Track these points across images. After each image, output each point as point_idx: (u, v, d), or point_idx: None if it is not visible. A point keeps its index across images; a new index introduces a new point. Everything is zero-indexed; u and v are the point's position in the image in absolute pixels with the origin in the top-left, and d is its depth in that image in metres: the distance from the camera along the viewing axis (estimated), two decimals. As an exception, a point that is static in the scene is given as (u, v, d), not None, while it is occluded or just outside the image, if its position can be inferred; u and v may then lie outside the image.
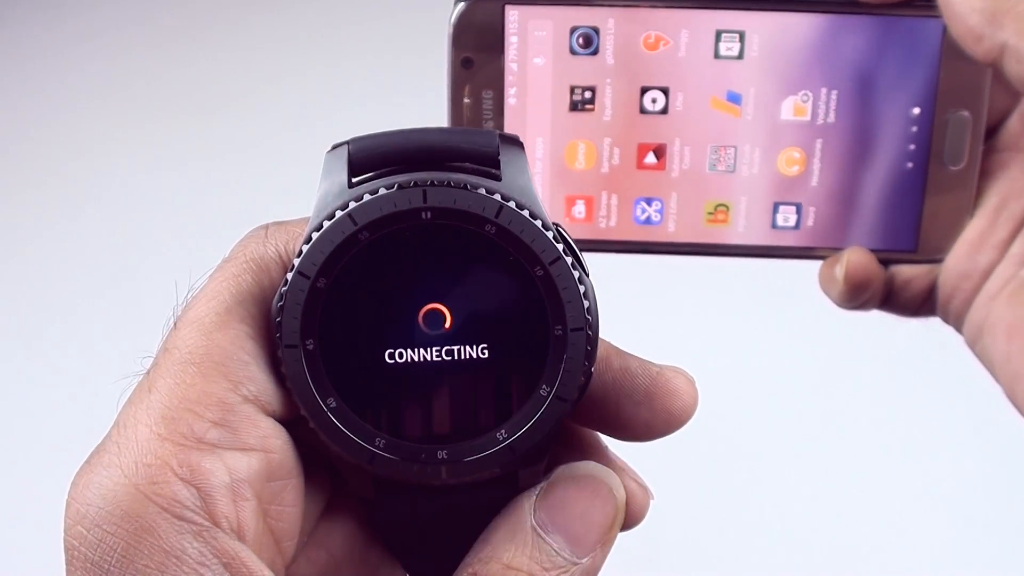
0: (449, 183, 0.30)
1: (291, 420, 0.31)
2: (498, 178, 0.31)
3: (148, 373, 0.30)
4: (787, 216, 0.46)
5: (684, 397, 0.32)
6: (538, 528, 0.31)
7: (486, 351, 0.30)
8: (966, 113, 0.44)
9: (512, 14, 0.44)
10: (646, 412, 0.32)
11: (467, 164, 0.31)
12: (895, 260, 0.46)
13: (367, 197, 0.30)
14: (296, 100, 1.47)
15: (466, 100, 0.45)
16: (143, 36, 1.58)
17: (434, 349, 0.30)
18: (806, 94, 0.45)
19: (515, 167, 0.31)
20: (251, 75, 1.51)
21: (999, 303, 0.42)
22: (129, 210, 1.38)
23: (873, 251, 0.45)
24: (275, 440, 0.30)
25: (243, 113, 1.46)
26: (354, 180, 0.31)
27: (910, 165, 0.45)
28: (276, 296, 0.30)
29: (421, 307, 0.30)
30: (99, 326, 1.26)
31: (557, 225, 0.31)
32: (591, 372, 0.31)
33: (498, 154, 0.31)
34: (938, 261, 0.45)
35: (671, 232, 0.46)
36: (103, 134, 1.46)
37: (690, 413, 0.32)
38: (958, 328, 0.45)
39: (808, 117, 0.45)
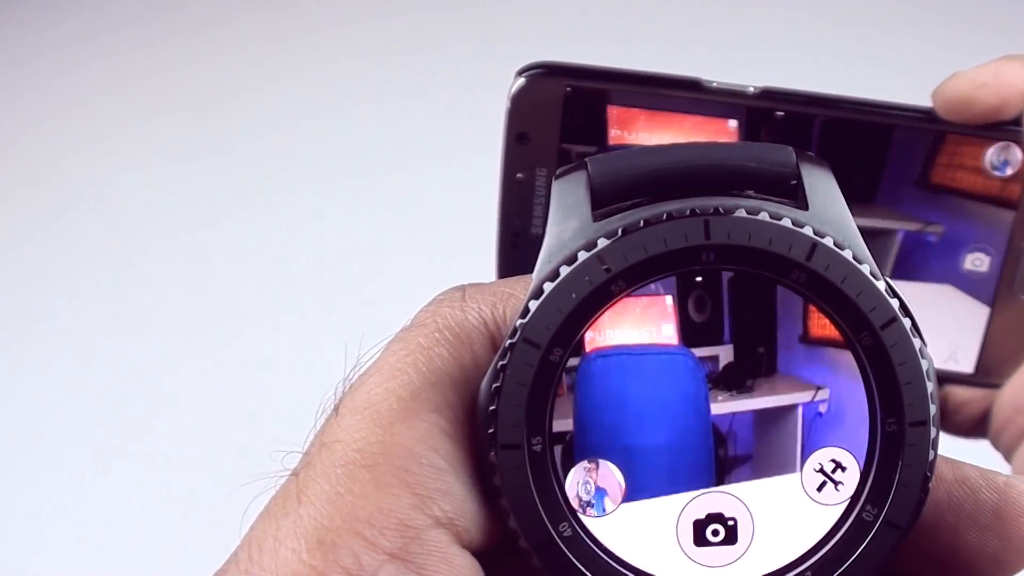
0: (742, 212, 0.22)
1: (491, 553, 0.24)
2: (803, 206, 0.23)
3: (296, 475, 0.23)
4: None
5: None
6: None
7: (790, 454, 0.23)
8: None
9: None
10: (995, 541, 0.24)
11: (750, 192, 0.23)
12: (950, 381, 0.44)
13: (623, 233, 0.22)
14: (297, 100, 1.44)
15: (519, 175, 0.42)
16: (143, 35, 1.56)
17: (714, 451, 0.23)
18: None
19: (824, 192, 0.23)
20: (251, 74, 1.49)
21: None
22: (129, 210, 1.33)
23: None
24: None
25: (244, 112, 1.43)
26: (598, 212, 0.23)
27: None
28: (489, 374, 0.23)
29: (696, 429, 0.23)
30: (98, 326, 1.20)
31: (886, 276, 0.23)
32: (929, 487, 0.23)
33: (798, 177, 0.23)
34: (995, 387, 0.44)
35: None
36: (103, 133, 1.42)
37: None
38: (1007, 458, 0.43)
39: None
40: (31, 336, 1.20)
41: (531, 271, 0.24)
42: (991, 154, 0.43)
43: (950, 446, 0.46)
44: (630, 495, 0.23)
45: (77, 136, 1.42)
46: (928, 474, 0.23)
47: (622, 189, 0.23)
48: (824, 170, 0.24)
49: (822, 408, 0.23)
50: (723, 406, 0.23)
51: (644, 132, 0.42)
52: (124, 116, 1.43)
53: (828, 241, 0.22)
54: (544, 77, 0.41)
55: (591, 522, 0.23)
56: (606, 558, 0.23)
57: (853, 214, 0.24)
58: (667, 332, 0.23)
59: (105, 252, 1.28)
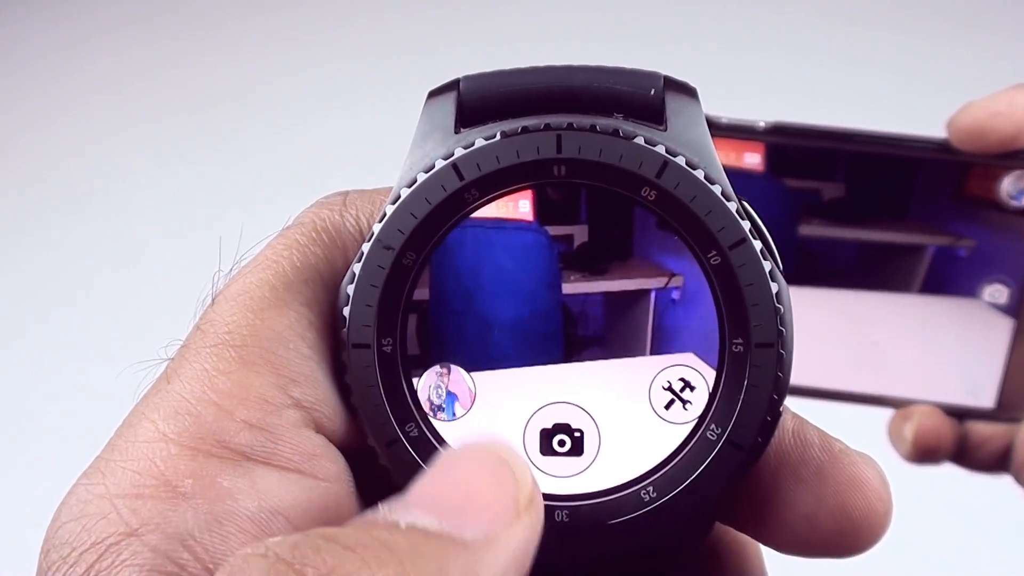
0: (594, 128, 0.22)
1: (354, 452, 0.23)
2: (663, 128, 0.23)
3: (174, 359, 0.24)
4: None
5: (870, 494, 0.23)
6: None
7: (631, 372, 0.23)
8: None
9: None
10: (811, 499, 0.23)
11: (618, 115, 0.23)
12: (972, 416, 0.43)
13: (480, 143, 0.23)
14: (297, 99, 1.46)
15: None
16: (143, 35, 1.58)
17: (558, 365, 0.23)
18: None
19: (686, 116, 0.23)
20: (251, 74, 1.50)
21: None
22: (129, 209, 1.34)
23: (950, 406, 0.42)
24: (327, 465, 0.22)
25: (243, 112, 1.44)
26: (463, 129, 0.24)
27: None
28: (347, 276, 0.23)
29: (545, 305, 0.23)
30: (97, 325, 1.21)
31: (741, 198, 0.23)
32: (780, 411, 0.22)
33: (663, 101, 0.23)
34: (1016, 421, 0.42)
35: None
36: (103, 133, 1.43)
37: (881, 523, 0.23)
38: None
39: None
40: (30, 335, 1.22)
41: None
42: (1007, 183, 0.41)
43: (973, 481, 0.43)
44: (480, 365, 0.23)
45: (77, 136, 1.44)
46: (775, 397, 0.22)
47: (491, 107, 0.24)
48: (690, 97, 0.24)
49: (675, 296, 0.23)
50: (575, 286, 0.23)
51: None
52: (124, 116, 1.45)
53: (680, 160, 0.22)
54: None
55: (441, 426, 0.23)
56: None
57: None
58: (523, 208, 0.23)
59: (105, 250, 1.30)
